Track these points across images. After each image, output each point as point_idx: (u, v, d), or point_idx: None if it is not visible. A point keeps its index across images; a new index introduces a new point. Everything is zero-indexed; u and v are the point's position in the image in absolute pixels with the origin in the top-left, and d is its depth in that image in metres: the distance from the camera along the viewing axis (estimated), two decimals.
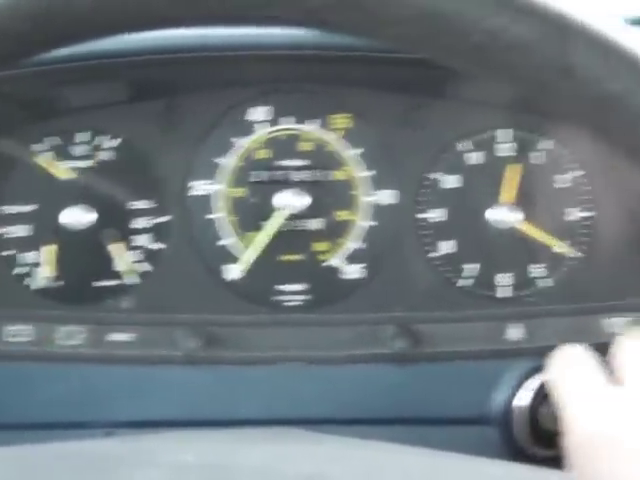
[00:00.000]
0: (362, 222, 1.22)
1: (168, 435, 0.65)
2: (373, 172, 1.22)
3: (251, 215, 1.22)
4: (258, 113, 1.22)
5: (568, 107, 0.47)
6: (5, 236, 1.21)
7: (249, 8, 0.47)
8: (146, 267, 1.22)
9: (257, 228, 1.22)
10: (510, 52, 0.46)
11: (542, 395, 1.18)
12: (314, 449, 0.58)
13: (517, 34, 0.45)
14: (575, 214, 1.22)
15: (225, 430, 1.04)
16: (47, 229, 1.21)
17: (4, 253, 1.21)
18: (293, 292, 1.23)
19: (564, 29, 0.45)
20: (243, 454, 0.56)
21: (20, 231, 1.21)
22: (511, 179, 1.21)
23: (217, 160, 1.22)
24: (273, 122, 1.22)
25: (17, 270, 1.21)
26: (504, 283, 1.22)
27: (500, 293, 1.22)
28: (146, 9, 0.45)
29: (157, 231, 1.22)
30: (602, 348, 1.19)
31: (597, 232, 1.22)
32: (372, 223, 1.22)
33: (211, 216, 1.22)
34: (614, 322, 1.19)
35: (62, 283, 1.21)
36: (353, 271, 1.23)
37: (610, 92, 0.45)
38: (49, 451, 0.56)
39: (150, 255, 1.22)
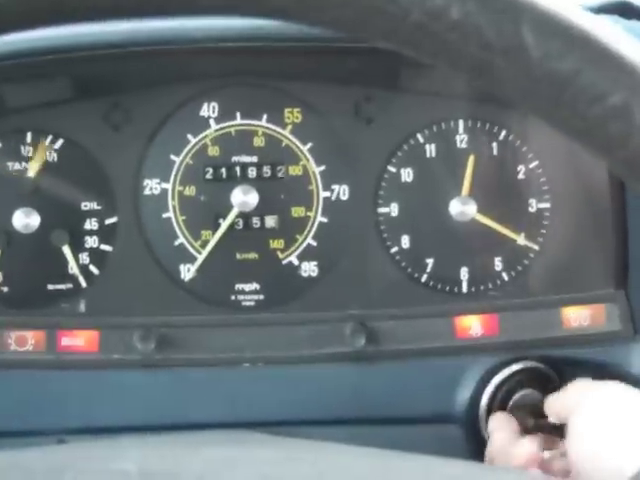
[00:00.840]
0: (319, 218, 1.20)
1: (113, 442, 0.63)
2: (325, 167, 1.19)
3: (204, 213, 1.19)
4: (209, 109, 1.19)
5: (513, 90, 0.45)
6: None
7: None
8: (96, 269, 1.19)
9: (211, 227, 1.19)
10: (452, 32, 0.44)
11: (507, 391, 1.17)
12: (259, 452, 0.56)
13: (461, 13, 0.43)
14: (532, 205, 1.20)
15: (178, 434, 1.02)
16: None
17: None
18: (250, 291, 1.20)
19: (510, 7, 0.43)
20: (186, 460, 0.54)
21: None
22: (470, 171, 1.19)
23: (169, 158, 1.19)
24: (224, 118, 1.19)
25: None
26: (466, 277, 1.20)
27: (462, 287, 1.20)
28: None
29: (107, 232, 1.19)
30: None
31: (554, 223, 1.20)
32: (329, 219, 1.20)
33: (164, 215, 1.19)
34: (574, 314, 1.18)
35: (11, 287, 1.18)
36: (311, 268, 1.20)
37: (558, 72, 0.43)
38: None
39: (100, 257, 1.19)
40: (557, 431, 1.11)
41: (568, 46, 0.43)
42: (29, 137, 1.17)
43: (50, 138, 1.18)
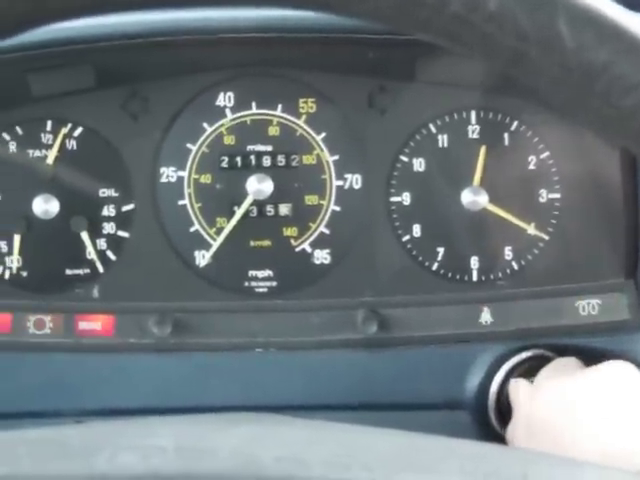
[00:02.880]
0: (332, 206, 1.20)
1: (140, 421, 0.64)
2: (338, 156, 1.20)
3: (220, 201, 1.20)
4: (225, 98, 1.19)
5: (547, 80, 0.46)
6: None
7: None
8: (114, 255, 1.19)
9: (226, 214, 1.20)
10: (489, 23, 0.45)
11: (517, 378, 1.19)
12: (287, 432, 0.58)
13: (498, 4, 0.44)
14: (543, 196, 1.20)
15: (196, 415, 1.03)
16: (14, 218, 1.18)
17: None
18: (263, 278, 1.21)
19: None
20: (218, 437, 0.55)
21: None
22: (482, 161, 1.19)
23: (186, 146, 1.19)
24: (239, 107, 1.19)
25: None
26: (477, 266, 1.21)
27: (473, 276, 1.21)
28: None
29: (124, 219, 1.20)
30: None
31: (564, 214, 1.20)
32: (342, 207, 1.20)
33: (181, 203, 1.20)
34: (584, 303, 1.19)
35: (30, 272, 1.19)
36: (323, 256, 1.21)
37: (592, 63, 0.44)
38: (24, 437, 0.55)
39: (117, 243, 1.20)
40: None
41: (602, 37, 0.44)
42: (49, 125, 1.18)
43: (69, 126, 1.18)
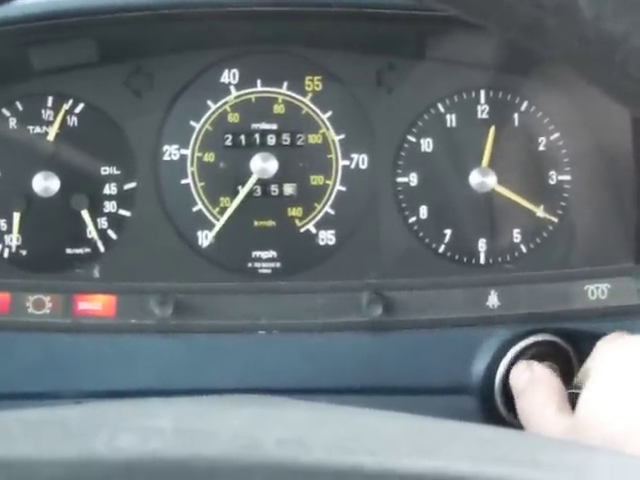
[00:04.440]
0: (337, 186, 1.19)
1: (140, 402, 0.63)
2: (344, 135, 1.18)
3: (223, 180, 1.18)
4: (229, 75, 1.17)
5: (564, 51, 0.45)
6: None
7: None
8: (115, 234, 1.18)
9: (230, 193, 1.18)
10: None
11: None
12: (289, 414, 0.57)
13: None
14: (552, 177, 1.19)
15: (197, 397, 1.03)
16: (13, 196, 1.16)
17: None
18: (267, 259, 1.19)
19: None
20: (219, 419, 0.55)
21: None
22: (491, 142, 1.17)
23: (189, 124, 1.17)
24: (244, 85, 1.17)
25: None
26: (484, 248, 1.19)
27: (480, 259, 1.19)
28: None
29: (126, 197, 1.18)
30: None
31: (574, 196, 1.18)
32: (348, 187, 1.18)
33: (183, 181, 1.18)
34: (593, 288, 1.17)
35: (30, 251, 1.17)
36: (328, 237, 1.19)
37: (610, 33, 0.43)
38: (22, 418, 0.54)
39: (119, 222, 1.18)
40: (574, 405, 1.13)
41: (621, 7, 0.43)
42: (50, 101, 1.16)
43: (71, 102, 1.16)
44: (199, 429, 0.51)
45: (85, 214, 1.17)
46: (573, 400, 1.12)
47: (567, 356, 1.18)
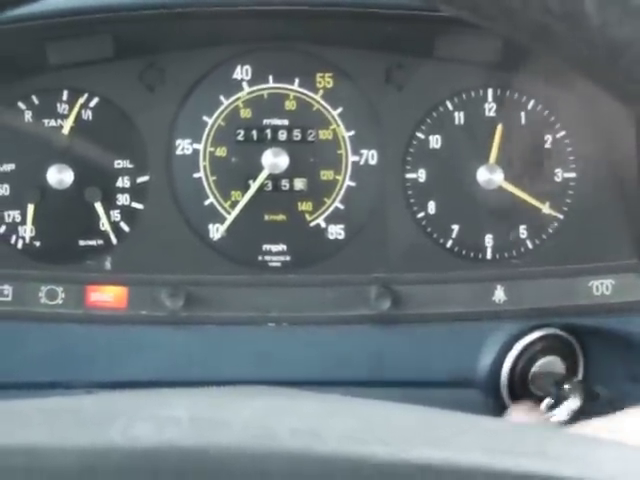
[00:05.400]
0: (347, 182, 1.19)
1: (155, 392, 0.64)
2: (354, 131, 1.18)
3: (235, 174, 1.18)
4: (242, 72, 1.18)
5: (571, 55, 0.46)
6: None
7: None
8: (127, 227, 1.18)
9: (241, 187, 1.18)
10: None
11: (529, 358, 1.18)
12: (303, 405, 0.58)
13: None
14: (558, 175, 1.19)
15: (211, 388, 1.03)
16: (28, 188, 1.17)
17: None
18: (277, 252, 1.19)
19: None
20: (233, 409, 0.55)
21: (2, 190, 1.17)
22: (498, 139, 1.18)
23: (202, 119, 1.18)
24: (256, 81, 1.18)
25: (2, 229, 1.18)
26: (491, 244, 1.19)
27: (487, 254, 1.19)
28: None
29: (138, 190, 1.18)
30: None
31: (579, 193, 1.19)
32: (357, 183, 1.19)
33: (195, 175, 1.18)
34: (597, 283, 1.17)
35: (43, 242, 1.18)
36: (337, 231, 1.19)
37: (616, 39, 0.44)
38: (39, 406, 0.55)
39: (131, 215, 1.19)
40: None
41: (627, 14, 0.44)
42: (65, 95, 1.17)
43: (86, 96, 1.17)
44: (213, 419, 0.52)
45: (98, 206, 1.18)
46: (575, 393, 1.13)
47: (572, 350, 1.19)
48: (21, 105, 1.17)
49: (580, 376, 1.20)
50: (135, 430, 0.49)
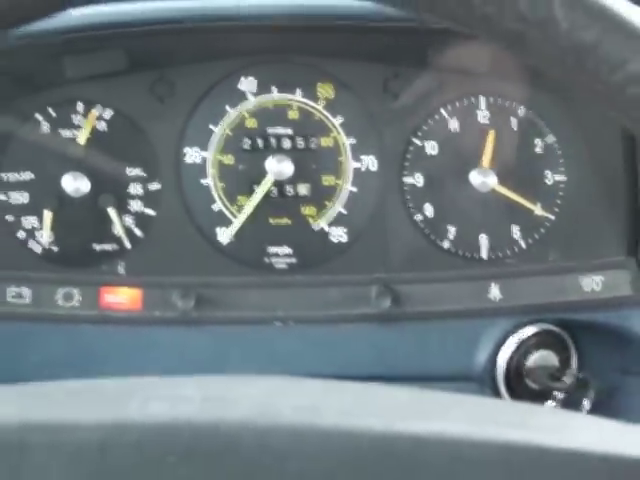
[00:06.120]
0: (348, 187, 1.22)
1: (173, 377, 0.67)
2: (354, 139, 1.22)
3: (241, 181, 1.22)
4: (248, 83, 1.21)
5: (543, 58, 0.49)
6: (7, 202, 1.21)
7: None
8: (140, 232, 1.22)
9: (247, 193, 1.22)
10: (490, 6, 0.48)
11: (524, 352, 1.20)
12: (303, 385, 0.60)
13: None
14: (549, 177, 1.22)
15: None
16: (45, 196, 1.20)
17: (7, 218, 1.21)
18: (283, 255, 1.23)
19: None
20: (240, 389, 0.58)
21: (21, 197, 1.21)
22: (491, 144, 1.21)
23: (209, 128, 1.21)
24: (261, 92, 1.21)
25: (20, 234, 1.21)
26: (486, 244, 1.22)
27: (482, 254, 1.22)
28: None
29: (150, 197, 1.22)
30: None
31: (569, 195, 1.22)
32: (358, 188, 1.22)
33: (204, 182, 1.22)
34: (588, 280, 1.20)
35: (60, 247, 1.21)
36: (340, 234, 1.23)
37: (583, 41, 0.47)
38: (61, 387, 0.58)
39: (142, 220, 1.22)
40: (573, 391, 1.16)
41: (592, 18, 0.48)
42: (80, 107, 1.21)
43: (99, 108, 1.21)
44: (222, 397, 0.55)
45: (112, 213, 1.21)
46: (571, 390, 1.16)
47: (565, 344, 1.22)
48: (38, 117, 1.21)
49: (573, 369, 1.22)
50: (151, 407, 0.52)
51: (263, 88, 1.22)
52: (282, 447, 0.50)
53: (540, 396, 1.21)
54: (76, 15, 1.07)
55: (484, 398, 0.61)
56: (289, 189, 1.22)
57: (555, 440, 0.51)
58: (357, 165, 1.23)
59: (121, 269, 1.22)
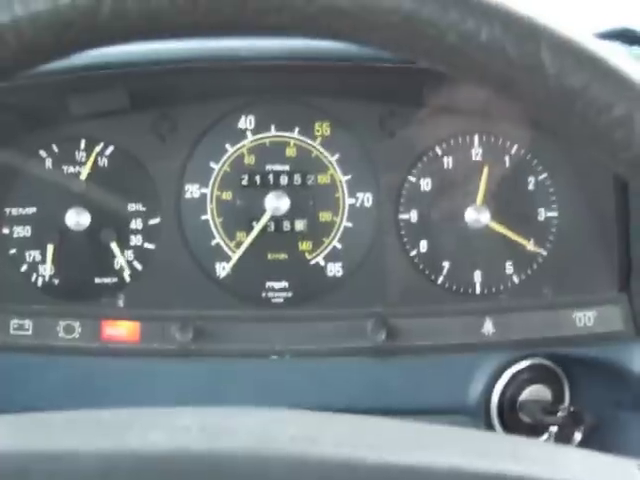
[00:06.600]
0: (344, 223, 1.24)
1: (171, 409, 0.68)
2: (351, 176, 1.23)
3: (239, 216, 1.23)
4: (247, 121, 1.23)
5: (532, 102, 0.51)
6: (10, 236, 1.22)
7: (242, 19, 0.50)
8: (140, 265, 1.23)
9: (245, 228, 1.23)
10: (481, 52, 0.49)
11: (517, 387, 1.21)
12: (301, 416, 0.61)
13: (488, 36, 0.49)
14: (541, 214, 1.23)
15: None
16: (48, 230, 1.22)
17: (11, 251, 1.22)
18: (279, 289, 1.24)
19: (531, 31, 0.49)
20: (237, 419, 0.59)
21: (24, 232, 1.22)
22: (485, 182, 1.22)
23: (209, 165, 1.23)
24: (259, 130, 1.23)
25: (23, 268, 1.23)
26: (479, 279, 1.24)
27: (476, 289, 1.24)
28: (159, 17, 0.48)
29: (150, 231, 1.23)
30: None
31: (561, 231, 1.23)
32: (354, 224, 1.24)
33: (203, 217, 1.23)
34: (580, 315, 1.21)
35: (62, 280, 1.22)
36: (336, 269, 1.24)
37: (570, 86, 0.48)
38: (61, 417, 0.59)
39: (143, 254, 1.23)
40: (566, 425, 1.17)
41: (578, 64, 0.49)
42: (83, 144, 1.22)
43: (102, 145, 1.22)
44: (220, 427, 0.56)
45: (113, 247, 1.23)
46: (564, 424, 1.16)
47: (558, 379, 1.22)
48: (42, 153, 1.23)
49: (566, 403, 1.23)
50: (150, 437, 0.53)
51: (262, 126, 1.24)
52: (279, 477, 0.51)
53: (533, 430, 1.21)
54: (79, 55, 1.09)
55: (478, 431, 0.62)
56: (286, 225, 1.24)
57: (548, 472, 0.52)
58: (353, 201, 1.24)
59: (120, 302, 1.23)
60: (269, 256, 1.24)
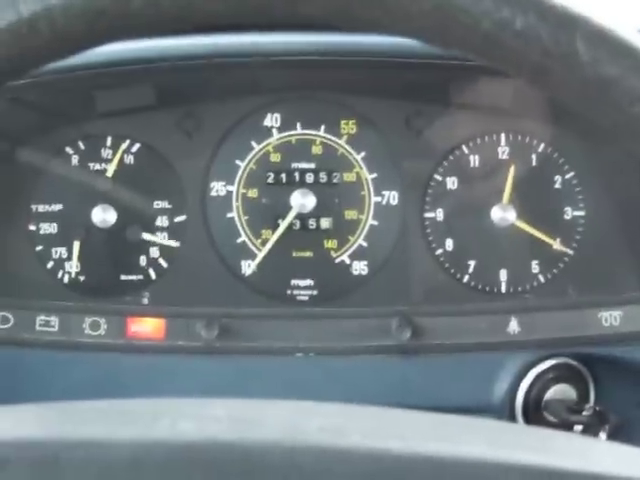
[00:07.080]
0: (370, 221, 1.24)
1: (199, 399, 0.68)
2: (376, 174, 1.23)
3: (265, 214, 1.23)
4: (273, 119, 1.23)
5: (566, 91, 0.51)
6: (37, 232, 1.23)
7: (274, 8, 0.50)
8: (165, 263, 1.23)
9: (271, 226, 1.23)
10: (516, 40, 0.49)
11: (542, 386, 1.20)
12: (329, 407, 0.61)
13: (523, 24, 0.49)
14: (568, 213, 1.23)
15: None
16: (74, 227, 1.22)
17: (37, 248, 1.23)
18: (305, 287, 1.24)
19: (566, 19, 0.49)
20: (267, 409, 0.59)
21: (50, 228, 1.23)
22: (511, 180, 1.22)
23: (235, 163, 1.23)
24: (285, 127, 1.23)
25: (49, 265, 1.23)
26: (505, 278, 1.23)
27: (502, 288, 1.23)
28: (192, 4, 0.48)
29: (176, 229, 1.23)
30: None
31: (588, 230, 1.22)
32: (379, 222, 1.23)
33: (229, 215, 1.24)
34: (606, 315, 1.20)
35: (87, 277, 1.23)
36: (361, 267, 1.24)
37: (604, 75, 0.48)
38: (93, 407, 0.59)
39: (168, 252, 1.23)
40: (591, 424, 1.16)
41: (613, 53, 0.49)
42: (109, 141, 1.23)
43: (128, 142, 1.23)
44: (249, 417, 0.56)
45: (139, 244, 1.23)
46: (589, 423, 1.15)
47: (583, 378, 1.21)
48: (69, 150, 1.23)
49: (591, 403, 1.22)
50: (180, 426, 0.53)
51: (288, 124, 1.24)
52: (308, 467, 0.51)
53: (558, 429, 1.20)
54: (105, 51, 1.09)
55: (505, 422, 0.62)
56: (312, 222, 1.24)
57: (577, 464, 0.52)
58: (379, 200, 1.24)
59: (146, 299, 1.23)
60: (294, 254, 1.24)
